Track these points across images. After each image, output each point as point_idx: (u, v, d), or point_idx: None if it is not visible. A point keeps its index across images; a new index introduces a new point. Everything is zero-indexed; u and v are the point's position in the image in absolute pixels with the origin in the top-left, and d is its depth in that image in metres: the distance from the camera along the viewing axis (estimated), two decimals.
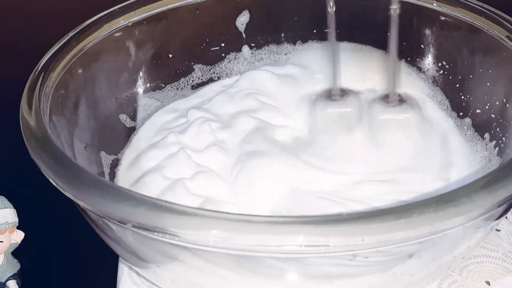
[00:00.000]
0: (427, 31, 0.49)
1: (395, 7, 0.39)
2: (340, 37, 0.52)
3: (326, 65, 0.50)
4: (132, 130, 0.48)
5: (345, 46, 0.52)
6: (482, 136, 0.44)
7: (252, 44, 0.54)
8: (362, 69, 0.51)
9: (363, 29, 0.52)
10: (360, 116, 0.45)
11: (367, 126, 0.45)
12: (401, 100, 0.44)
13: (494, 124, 0.43)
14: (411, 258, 0.31)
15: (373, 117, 0.45)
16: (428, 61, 0.50)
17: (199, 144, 0.44)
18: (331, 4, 0.41)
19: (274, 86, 0.50)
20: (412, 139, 0.44)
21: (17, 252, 0.39)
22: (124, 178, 0.44)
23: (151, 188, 0.41)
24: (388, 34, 0.41)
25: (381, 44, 0.51)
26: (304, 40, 0.54)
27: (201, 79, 0.53)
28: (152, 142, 0.46)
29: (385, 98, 0.44)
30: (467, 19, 0.45)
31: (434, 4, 0.47)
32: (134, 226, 0.28)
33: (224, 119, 0.47)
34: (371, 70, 0.51)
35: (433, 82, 0.50)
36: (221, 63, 0.54)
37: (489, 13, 0.43)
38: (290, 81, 0.51)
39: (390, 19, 0.40)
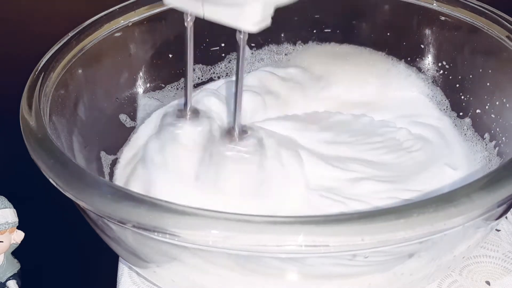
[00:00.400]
0: (427, 31, 0.49)
1: (242, 36, 0.33)
2: (340, 40, 0.52)
3: (325, 69, 0.50)
4: (131, 130, 0.48)
5: (344, 49, 0.52)
6: (482, 136, 0.44)
7: (252, 44, 0.54)
8: (361, 75, 0.51)
9: (363, 31, 0.52)
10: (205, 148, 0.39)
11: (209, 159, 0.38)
12: (245, 133, 0.37)
13: (494, 124, 0.43)
14: (411, 258, 0.31)
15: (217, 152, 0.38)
16: (428, 61, 0.50)
17: None
18: (188, 17, 0.35)
19: (280, 88, 0.51)
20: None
21: (17, 252, 0.39)
22: (121, 176, 0.44)
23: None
24: (236, 65, 0.35)
25: (381, 46, 0.51)
26: (304, 41, 0.54)
27: (201, 79, 0.53)
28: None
29: (230, 132, 0.37)
30: (467, 19, 0.45)
31: (434, 4, 0.47)
32: (134, 226, 0.28)
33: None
34: (371, 76, 0.51)
35: (433, 82, 0.50)
36: (221, 63, 0.54)
37: (489, 13, 0.43)
38: (294, 84, 0.51)
39: (237, 48, 0.34)
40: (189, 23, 0.36)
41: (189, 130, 0.39)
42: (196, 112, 0.40)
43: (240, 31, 0.33)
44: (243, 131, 0.37)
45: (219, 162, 0.37)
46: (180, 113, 0.39)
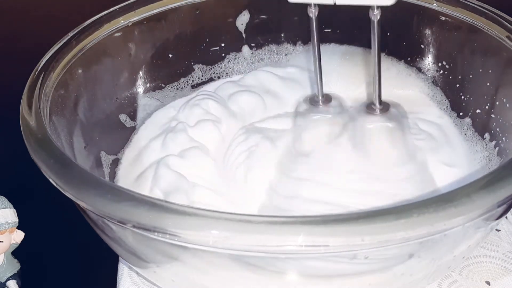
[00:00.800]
0: (427, 31, 0.49)
1: (375, 12, 0.37)
2: (340, 40, 0.52)
3: (326, 67, 0.50)
4: (132, 130, 0.48)
5: (344, 49, 0.52)
6: (482, 136, 0.44)
7: (252, 44, 0.54)
8: (361, 74, 0.51)
9: (363, 31, 0.52)
10: (345, 123, 0.44)
11: (352, 134, 0.43)
12: (386, 108, 0.42)
13: (494, 124, 0.43)
14: (411, 258, 0.31)
15: (358, 126, 0.43)
16: (428, 61, 0.50)
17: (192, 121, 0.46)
18: (313, 10, 0.40)
19: (279, 87, 0.51)
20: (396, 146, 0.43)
21: (17, 252, 0.39)
22: (124, 177, 0.44)
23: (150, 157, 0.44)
24: (372, 42, 0.39)
25: (380, 46, 0.51)
26: (304, 41, 0.54)
27: (201, 79, 0.53)
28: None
29: (370, 106, 0.43)
30: (467, 19, 0.45)
31: (434, 4, 0.47)
32: (134, 226, 0.28)
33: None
34: (371, 74, 0.51)
35: (433, 82, 0.50)
36: (221, 63, 0.54)
37: (489, 13, 0.43)
38: (293, 83, 0.51)
39: (372, 25, 0.38)
40: (314, 14, 0.40)
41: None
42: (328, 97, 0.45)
43: (373, 9, 0.36)
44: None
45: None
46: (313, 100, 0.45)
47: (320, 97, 0.45)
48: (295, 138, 0.44)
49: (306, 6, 0.40)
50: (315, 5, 0.40)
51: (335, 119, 0.44)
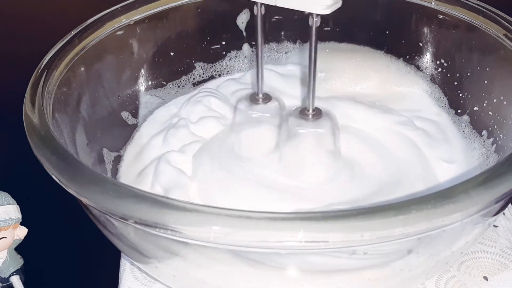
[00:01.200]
0: (426, 30, 0.49)
1: (316, 19, 0.36)
2: (339, 38, 0.53)
3: (326, 64, 0.50)
4: (134, 127, 0.48)
5: (344, 47, 0.52)
6: (479, 133, 0.45)
7: (253, 42, 0.54)
8: (361, 70, 0.51)
9: (362, 30, 0.52)
10: (279, 125, 0.44)
11: (284, 138, 0.43)
12: (318, 114, 0.41)
13: (492, 121, 0.43)
14: (409, 254, 0.31)
15: (289, 129, 0.42)
16: (427, 59, 0.50)
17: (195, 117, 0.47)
18: (258, 8, 0.40)
19: (279, 84, 0.51)
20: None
21: (20, 248, 0.40)
22: (126, 174, 0.44)
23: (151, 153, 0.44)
24: (309, 48, 0.38)
25: (379, 44, 0.51)
26: (304, 39, 0.54)
27: (202, 77, 0.53)
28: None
29: (304, 111, 0.41)
30: (465, 17, 0.45)
31: (433, 2, 0.47)
32: (136, 222, 0.28)
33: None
34: (371, 71, 0.51)
35: (431, 80, 0.50)
36: (222, 61, 0.54)
37: (487, 11, 0.44)
38: (293, 81, 0.51)
39: (310, 31, 0.37)
40: (259, 12, 0.40)
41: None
42: (268, 96, 0.45)
43: (312, 15, 0.36)
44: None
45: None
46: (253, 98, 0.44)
47: (260, 95, 0.44)
48: (234, 137, 0.44)
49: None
50: (261, 4, 0.40)
51: (271, 119, 0.44)
